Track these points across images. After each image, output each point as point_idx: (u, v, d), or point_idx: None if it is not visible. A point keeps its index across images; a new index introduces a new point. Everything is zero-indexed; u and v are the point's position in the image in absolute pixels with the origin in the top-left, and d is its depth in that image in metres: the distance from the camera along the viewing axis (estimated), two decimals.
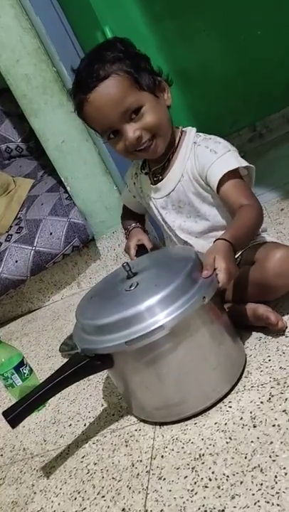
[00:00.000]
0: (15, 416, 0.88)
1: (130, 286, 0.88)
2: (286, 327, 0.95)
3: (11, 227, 1.93)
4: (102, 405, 1.06)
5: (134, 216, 1.28)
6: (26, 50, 1.60)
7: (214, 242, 0.89)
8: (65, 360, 1.36)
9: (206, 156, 1.01)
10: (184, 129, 1.09)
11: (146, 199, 1.16)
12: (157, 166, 1.10)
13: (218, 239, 0.88)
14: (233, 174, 0.98)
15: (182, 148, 1.06)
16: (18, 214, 1.97)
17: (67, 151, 1.71)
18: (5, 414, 0.88)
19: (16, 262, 1.78)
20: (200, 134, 1.07)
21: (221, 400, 0.87)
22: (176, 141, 1.07)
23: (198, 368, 0.85)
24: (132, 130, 0.98)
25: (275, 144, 2.17)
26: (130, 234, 1.22)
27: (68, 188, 1.77)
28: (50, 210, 1.82)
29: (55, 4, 1.63)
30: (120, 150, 1.04)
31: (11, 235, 1.87)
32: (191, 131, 1.08)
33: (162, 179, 1.09)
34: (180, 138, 1.07)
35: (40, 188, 2.02)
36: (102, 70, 0.95)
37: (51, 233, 1.76)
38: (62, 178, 1.77)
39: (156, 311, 0.80)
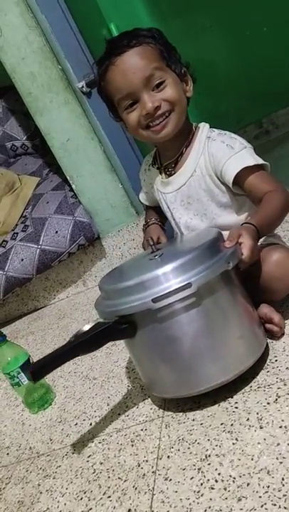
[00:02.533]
0: (37, 370, 0.89)
1: (154, 256, 0.90)
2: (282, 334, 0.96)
3: (16, 225, 1.94)
4: (108, 404, 1.06)
5: (156, 210, 1.26)
6: (32, 48, 1.60)
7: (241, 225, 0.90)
8: None
9: (222, 151, 1.00)
10: (198, 125, 1.09)
11: (156, 194, 1.17)
12: (169, 161, 1.10)
13: (245, 223, 0.90)
14: (252, 169, 0.97)
15: (196, 143, 1.06)
16: (23, 212, 1.98)
17: (72, 150, 1.71)
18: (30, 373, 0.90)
19: (22, 260, 1.78)
20: (214, 129, 1.07)
21: (242, 375, 0.87)
22: (190, 136, 1.07)
23: (223, 334, 0.85)
24: (151, 99, 0.98)
25: (282, 140, 2.16)
26: (147, 230, 1.23)
27: (74, 187, 1.77)
28: (56, 209, 1.82)
29: (61, 2, 1.63)
30: (133, 122, 1.02)
31: (17, 233, 1.87)
32: (204, 127, 1.08)
33: (174, 173, 1.09)
34: (194, 133, 1.07)
35: (46, 186, 2.02)
36: (135, 39, 0.98)
37: (57, 231, 1.76)
38: (67, 177, 1.76)
39: (182, 271, 0.81)
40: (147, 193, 1.24)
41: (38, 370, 0.90)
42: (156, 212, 1.25)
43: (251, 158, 0.97)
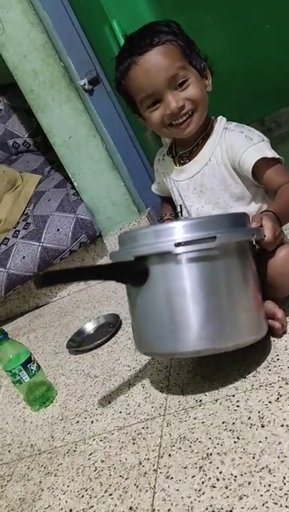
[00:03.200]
0: (47, 275, 0.87)
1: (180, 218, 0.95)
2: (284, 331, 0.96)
3: (18, 223, 1.93)
4: (109, 402, 1.06)
5: (171, 203, 1.25)
6: (34, 45, 1.60)
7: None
8: (73, 356, 1.37)
9: (241, 141, 1.02)
10: (215, 118, 1.12)
11: (168, 183, 1.18)
12: (185, 150, 1.11)
13: (264, 211, 0.94)
14: (269, 161, 1.00)
15: (213, 134, 1.08)
16: (25, 210, 1.98)
17: (74, 147, 1.71)
18: (38, 274, 0.88)
19: (24, 257, 1.78)
20: (231, 122, 1.09)
21: (243, 373, 0.89)
22: (208, 128, 1.09)
23: (232, 301, 0.86)
24: (175, 99, 0.99)
25: (284, 138, 2.15)
26: None
27: (75, 184, 1.77)
28: (58, 206, 1.82)
29: None
30: (156, 121, 1.03)
31: (19, 230, 1.87)
32: (222, 120, 1.10)
33: (188, 162, 1.11)
34: (212, 125, 1.09)
35: (48, 183, 2.02)
36: (156, 37, 0.97)
37: (58, 229, 1.76)
38: (69, 174, 1.76)
39: (207, 227, 0.83)
40: (159, 183, 1.25)
41: (47, 276, 0.87)
42: (171, 207, 1.26)
43: (269, 151, 1.00)
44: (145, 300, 0.90)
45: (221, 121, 1.09)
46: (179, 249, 0.82)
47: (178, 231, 0.84)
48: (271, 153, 1.00)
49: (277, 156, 1.00)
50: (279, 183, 0.99)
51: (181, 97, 1.00)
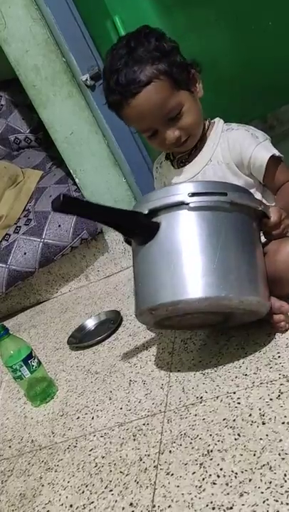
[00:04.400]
0: (67, 199, 0.85)
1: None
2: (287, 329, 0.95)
3: (19, 219, 1.93)
4: (110, 399, 1.06)
5: None
6: (36, 41, 1.59)
7: None
8: (73, 352, 1.37)
9: (248, 139, 1.03)
10: (212, 120, 1.12)
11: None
12: (182, 153, 1.12)
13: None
14: (275, 159, 1.02)
15: (211, 135, 1.09)
16: (26, 206, 1.97)
17: (76, 143, 1.70)
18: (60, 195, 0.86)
19: (25, 254, 1.78)
20: (230, 123, 1.10)
21: (244, 371, 0.89)
22: (206, 130, 1.09)
23: (238, 255, 0.89)
24: (172, 132, 1.02)
25: (286, 135, 2.15)
26: None
27: (77, 180, 1.76)
28: None
29: None
30: (156, 146, 1.08)
31: (20, 226, 1.87)
32: (219, 121, 1.11)
33: (187, 164, 1.12)
34: (208, 128, 1.10)
35: (49, 179, 2.01)
36: (142, 74, 0.96)
37: (60, 225, 1.76)
38: (70, 170, 1.76)
39: (220, 187, 0.90)
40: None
41: (67, 200, 0.85)
42: None
43: (274, 150, 1.02)
44: (153, 254, 0.91)
45: (218, 123, 1.10)
46: (192, 199, 0.86)
47: (192, 187, 0.89)
48: (277, 152, 1.02)
49: (281, 155, 1.02)
50: (282, 180, 1.03)
51: (177, 127, 1.02)
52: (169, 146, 1.05)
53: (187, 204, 0.87)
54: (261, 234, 0.96)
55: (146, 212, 0.89)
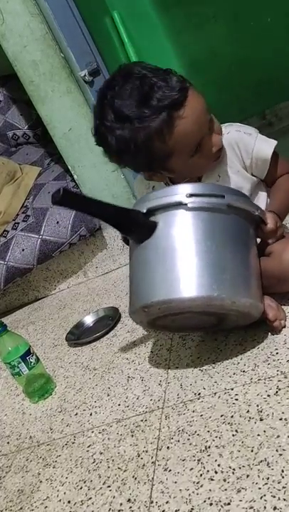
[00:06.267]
0: (67, 194, 0.84)
1: None
2: (283, 327, 0.95)
3: (17, 215, 1.93)
4: (108, 395, 1.06)
5: None
6: (34, 36, 1.58)
7: None
8: (72, 349, 1.37)
9: (245, 138, 1.04)
10: None
11: None
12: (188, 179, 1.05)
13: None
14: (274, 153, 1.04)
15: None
16: (24, 202, 1.97)
17: (74, 139, 1.70)
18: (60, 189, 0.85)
19: (23, 250, 1.77)
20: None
21: (243, 367, 0.89)
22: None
23: (233, 257, 0.89)
24: (215, 136, 0.98)
25: (285, 132, 2.14)
26: None
27: (75, 177, 1.76)
28: None
29: None
30: (204, 163, 1.00)
31: (18, 223, 1.87)
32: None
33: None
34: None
35: (47, 176, 2.01)
36: (173, 82, 0.90)
37: (58, 222, 1.76)
38: (69, 167, 1.75)
39: (218, 189, 0.92)
40: None
41: (66, 194, 0.84)
42: None
43: (269, 139, 1.04)
44: (148, 252, 0.92)
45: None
46: (190, 200, 0.87)
47: (190, 188, 0.89)
48: (273, 141, 1.05)
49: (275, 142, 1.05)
50: (278, 173, 1.07)
51: (215, 132, 0.98)
52: (214, 154, 0.99)
53: (185, 204, 0.87)
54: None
55: (144, 211, 0.90)
